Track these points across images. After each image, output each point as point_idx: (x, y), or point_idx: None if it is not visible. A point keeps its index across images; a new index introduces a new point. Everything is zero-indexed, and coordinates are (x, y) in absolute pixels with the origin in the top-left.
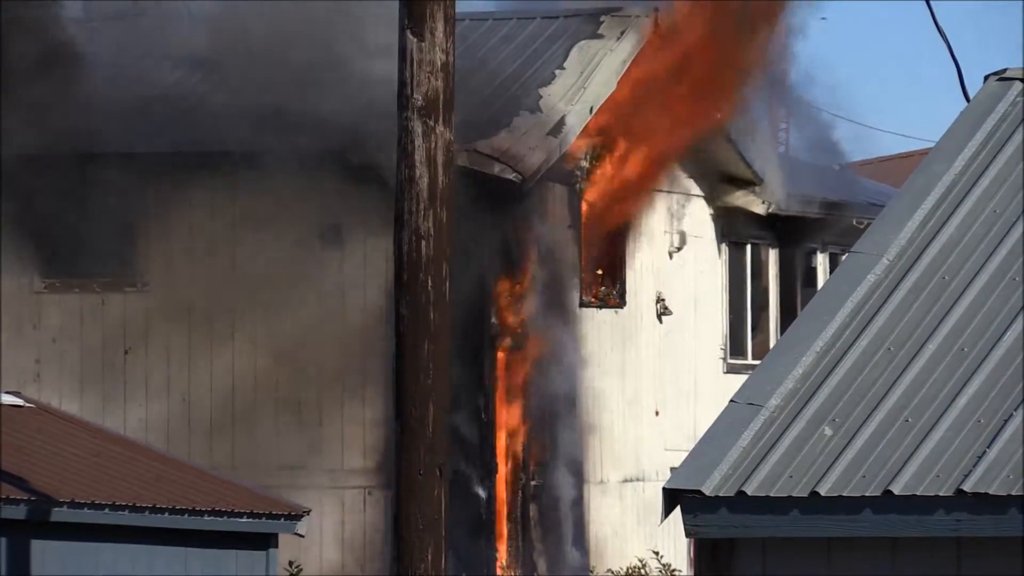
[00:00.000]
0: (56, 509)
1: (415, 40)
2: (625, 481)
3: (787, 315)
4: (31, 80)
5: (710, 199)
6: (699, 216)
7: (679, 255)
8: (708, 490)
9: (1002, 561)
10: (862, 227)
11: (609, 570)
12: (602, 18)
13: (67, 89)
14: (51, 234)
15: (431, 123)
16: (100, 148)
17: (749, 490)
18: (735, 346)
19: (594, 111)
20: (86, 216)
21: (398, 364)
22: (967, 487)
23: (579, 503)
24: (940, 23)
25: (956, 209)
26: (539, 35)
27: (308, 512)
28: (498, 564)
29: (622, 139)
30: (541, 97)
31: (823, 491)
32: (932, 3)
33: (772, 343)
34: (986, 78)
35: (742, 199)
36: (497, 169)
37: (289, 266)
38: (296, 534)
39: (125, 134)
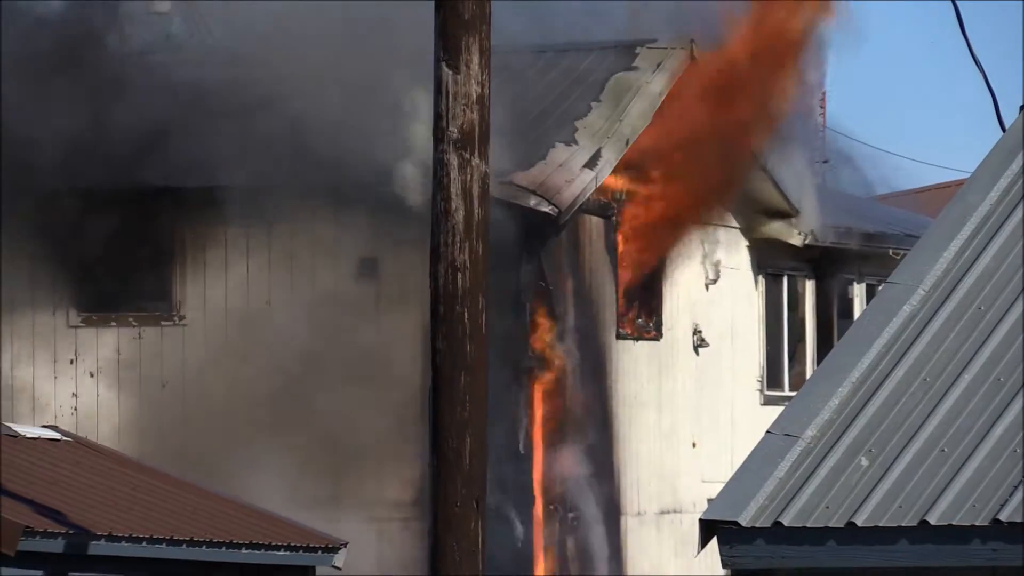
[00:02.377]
0: (94, 543)
1: (450, 73)
2: (662, 513)
3: (824, 346)
4: (70, 109)
5: (746, 230)
6: (735, 247)
7: (715, 287)
8: (745, 521)
9: None
10: (898, 258)
11: None
12: (637, 50)
13: (104, 121)
14: (87, 268)
15: (467, 155)
16: (137, 182)
17: (786, 521)
18: (772, 377)
19: (630, 143)
20: (122, 250)
21: (434, 397)
22: (1003, 517)
23: (616, 535)
24: (976, 53)
25: (992, 239)
26: (575, 68)
27: (345, 545)
28: None
29: (658, 171)
30: (577, 129)
31: (859, 522)
32: (967, 33)
33: (809, 374)
34: (1022, 108)
35: (778, 230)
36: (533, 202)
37: (324, 301)
38: (333, 567)
39: (162, 168)
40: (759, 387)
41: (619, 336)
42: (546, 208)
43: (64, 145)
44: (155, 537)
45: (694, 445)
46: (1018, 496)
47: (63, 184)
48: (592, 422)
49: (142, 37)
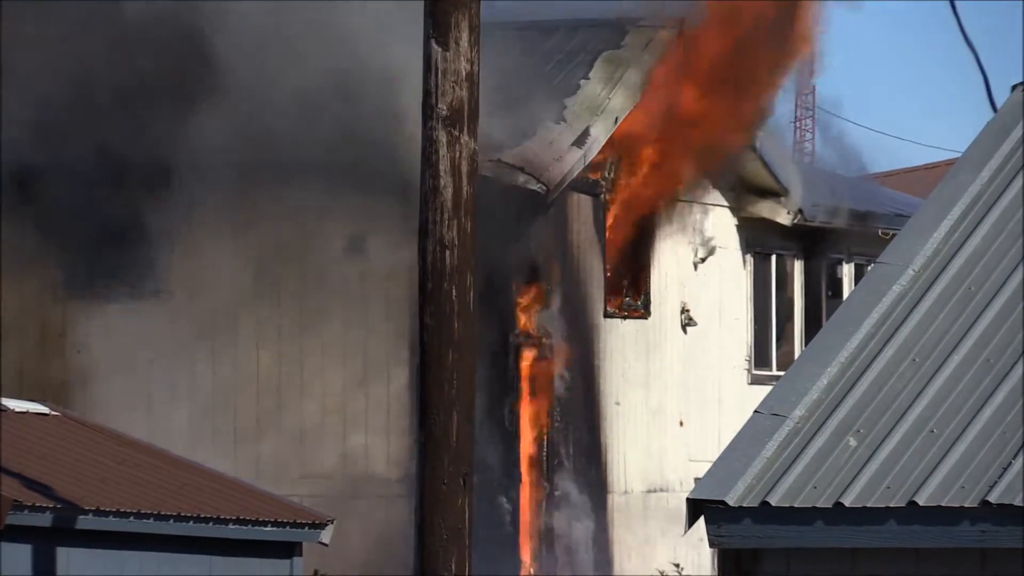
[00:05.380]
0: (81, 517)
1: (440, 50)
2: (649, 492)
3: (812, 326)
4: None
5: (735, 209)
6: (724, 226)
7: (704, 266)
8: (732, 500)
9: None
10: (888, 238)
11: None
12: (627, 29)
13: (94, 100)
14: (75, 243)
15: (456, 133)
16: (124, 158)
17: (773, 501)
18: (760, 357)
19: (618, 122)
20: (110, 226)
21: (422, 374)
22: (992, 498)
23: (603, 513)
24: (967, 32)
25: (982, 220)
26: (563, 46)
27: (332, 521)
28: (521, 574)
29: (646, 150)
30: (566, 107)
31: (847, 502)
32: (959, 12)
33: (797, 354)
34: (1013, 88)
35: (767, 209)
36: (522, 179)
37: (313, 276)
38: (320, 543)
39: (150, 145)
40: (747, 366)
41: (607, 314)
42: (534, 186)
43: (55, 124)
44: (143, 512)
45: (681, 424)
46: (1007, 477)
47: (49, 161)
48: (579, 400)
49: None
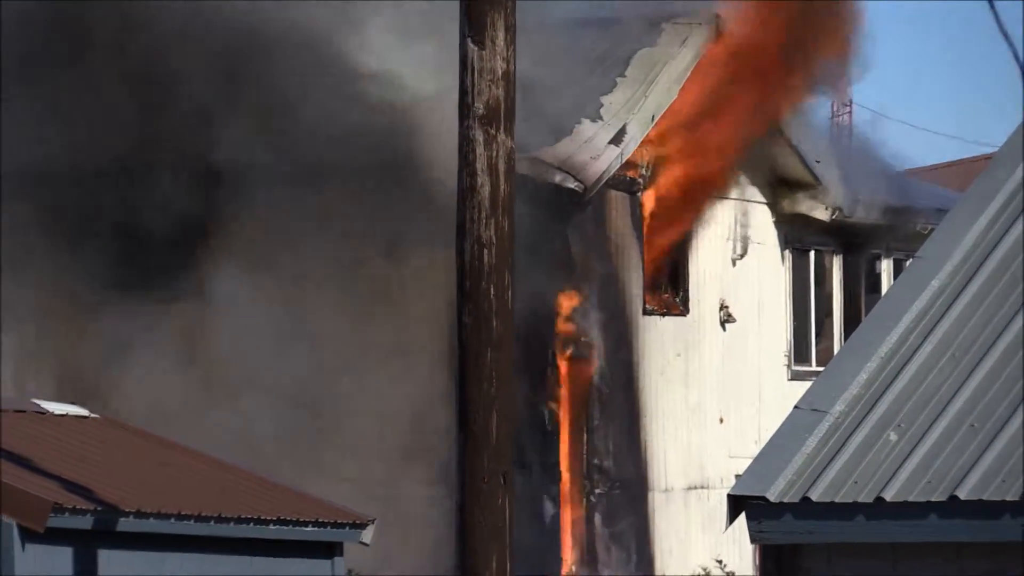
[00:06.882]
0: (122, 519)
1: (476, 49)
2: (689, 489)
3: (851, 321)
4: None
5: (773, 205)
6: (762, 223)
7: (742, 262)
8: (773, 496)
9: None
10: (926, 232)
11: None
12: (663, 25)
13: (129, 98)
14: (112, 243)
15: (492, 131)
16: (159, 157)
17: (814, 496)
18: (799, 353)
19: (656, 119)
20: (147, 225)
21: (461, 373)
22: None
23: (643, 511)
24: (1004, 26)
25: (1021, 214)
26: (599, 44)
27: (373, 521)
28: (563, 572)
29: (684, 147)
30: (602, 105)
31: (888, 497)
32: (996, 7)
33: (836, 349)
34: None
35: (805, 205)
36: (559, 178)
37: (350, 276)
38: (361, 543)
39: (184, 144)
40: (786, 362)
41: (645, 311)
42: (572, 184)
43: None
44: (183, 513)
45: (721, 421)
46: None
47: (85, 159)
48: (618, 398)
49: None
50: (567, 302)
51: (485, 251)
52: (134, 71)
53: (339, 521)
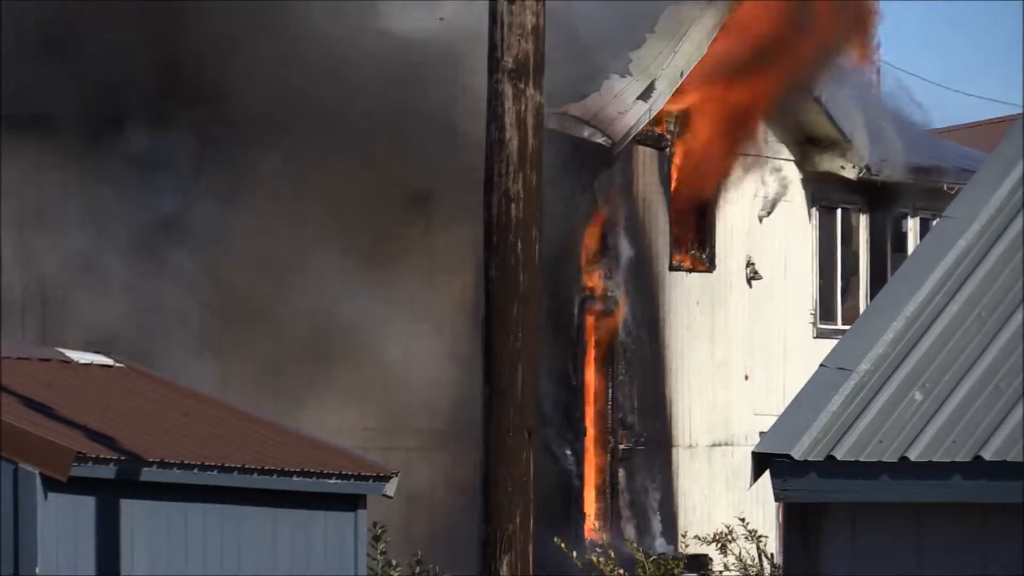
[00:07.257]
0: (145, 469)
1: (505, 3)
2: (714, 445)
3: (877, 280)
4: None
5: (800, 163)
6: (789, 180)
7: (769, 219)
8: (797, 455)
9: None
10: (953, 192)
11: (696, 535)
12: None
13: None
14: (134, 194)
15: (521, 86)
16: (173, 112)
17: (839, 455)
18: (825, 311)
19: (684, 75)
20: (169, 175)
21: (487, 326)
22: None
23: (667, 467)
24: None
25: None
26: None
27: (397, 474)
28: (586, 527)
29: (712, 103)
30: (631, 60)
31: (913, 456)
32: None
33: (862, 308)
34: None
35: (833, 163)
36: (587, 133)
37: (374, 230)
38: (385, 495)
39: (198, 98)
40: (812, 320)
41: (672, 268)
42: (600, 139)
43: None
44: (207, 464)
45: (746, 378)
46: None
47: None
48: (644, 354)
49: None
50: (594, 257)
51: (512, 205)
52: (153, 8)
53: (363, 473)
